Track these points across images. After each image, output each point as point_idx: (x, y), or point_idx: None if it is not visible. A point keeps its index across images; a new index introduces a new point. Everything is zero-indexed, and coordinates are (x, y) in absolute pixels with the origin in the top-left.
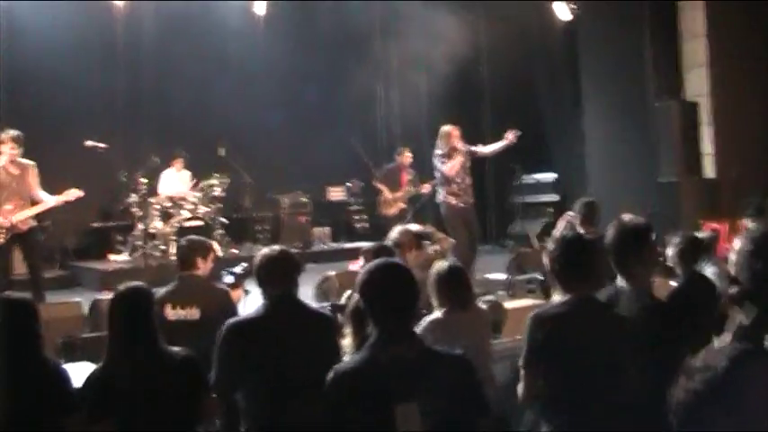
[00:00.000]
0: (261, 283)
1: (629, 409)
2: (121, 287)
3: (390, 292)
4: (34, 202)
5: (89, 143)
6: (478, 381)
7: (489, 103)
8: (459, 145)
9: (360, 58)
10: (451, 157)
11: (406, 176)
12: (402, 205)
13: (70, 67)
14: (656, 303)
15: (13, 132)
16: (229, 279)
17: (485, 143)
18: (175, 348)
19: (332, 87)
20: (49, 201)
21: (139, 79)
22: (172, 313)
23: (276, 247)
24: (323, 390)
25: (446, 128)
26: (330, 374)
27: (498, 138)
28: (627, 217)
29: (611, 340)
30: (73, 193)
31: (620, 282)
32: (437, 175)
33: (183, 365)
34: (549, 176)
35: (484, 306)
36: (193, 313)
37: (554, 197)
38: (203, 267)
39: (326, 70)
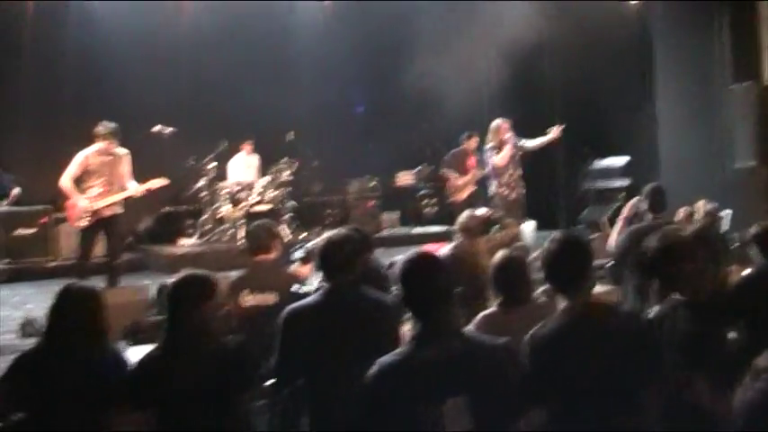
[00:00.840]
0: (322, 268)
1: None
2: (180, 274)
3: (430, 284)
4: (123, 190)
5: (156, 128)
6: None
7: (558, 90)
8: (509, 137)
9: (425, 48)
10: (501, 149)
11: (473, 160)
12: (471, 189)
13: (139, 55)
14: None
15: (110, 125)
16: (300, 254)
17: (558, 131)
18: (229, 337)
19: (399, 75)
20: (134, 189)
21: (209, 66)
22: (249, 299)
23: (340, 231)
24: (362, 384)
25: (496, 121)
26: (373, 368)
27: (570, 124)
28: (670, 230)
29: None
30: (157, 182)
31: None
32: (488, 168)
33: (232, 354)
34: (621, 161)
35: (544, 297)
36: (269, 299)
37: (625, 182)
38: (276, 251)
39: (395, 59)
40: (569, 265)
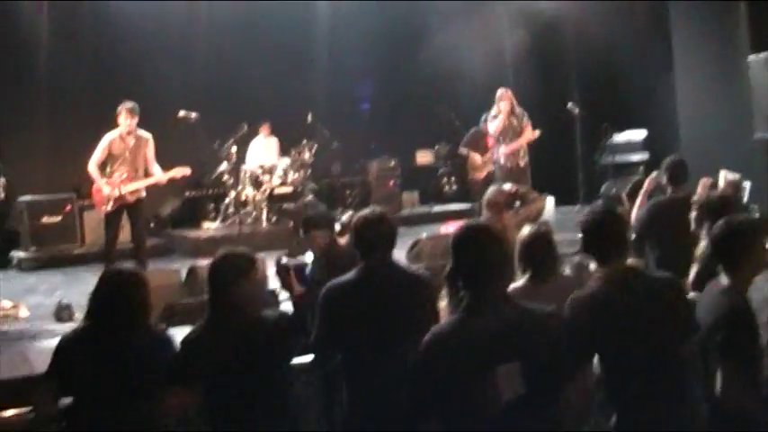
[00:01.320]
0: (358, 245)
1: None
2: (221, 251)
3: (483, 254)
4: (147, 175)
5: (181, 113)
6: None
7: (576, 64)
8: (505, 106)
9: (444, 24)
10: (496, 117)
11: (492, 139)
12: (491, 167)
13: (158, 41)
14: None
15: (128, 104)
16: (338, 227)
17: (574, 102)
18: (269, 312)
19: (417, 53)
20: (157, 176)
21: (226, 50)
22: None
23: (374, 209)
24: (418, 352)
25: (500, 90)
26: (427, 337)
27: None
28: (738, 217)
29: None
30: (180, 171)
31: (723, 278)
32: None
33: (273, 328)
34: (640, 135)
35: (568, 271)
36: None
37: (645, 156)
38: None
39: (412, 37)
40: (609, 233)
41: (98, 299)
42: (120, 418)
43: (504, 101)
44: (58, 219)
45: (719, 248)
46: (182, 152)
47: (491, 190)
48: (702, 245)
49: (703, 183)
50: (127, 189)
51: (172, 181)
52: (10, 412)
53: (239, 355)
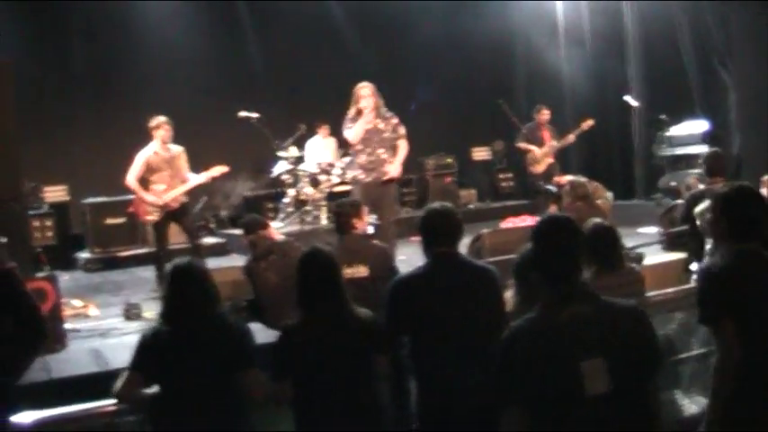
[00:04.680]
0: (426, 239)
1: None
2: (308, 248)
3: (566, 246)
4: (184, 182)
5: (242, 114)
6: (653, 332)
7: (633, 55)
8: (369, 106)
9: (499, 19)
10: (356, 120)
11: (547, 132)
12: (549, 161)
13: (218, 43)
14: None
15: (161, 118)
16: (371, 230)
17: (633, 98)
18: (361, 308)
19: (473, 49)
20: (196, 179)
21: (285, 50)
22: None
23: (444, 204)
24: (498, 348)
25: (358, 85)
26: (506, 333)
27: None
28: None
29: None
30: (218, 170)
31: None
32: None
33: (366, 326)
34: (700, 127)
35: (633, 264)
36: (361, 271)
37: (703, 148)
38: (360, 226)
39: (468, 33)
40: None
41: (171, 291)
42: (203, 405)
43: (364, 98)
44: (121, 220)
45: None
46: (243, 152)
47: (572, 182)
48: None
49: (764, 181)
50: (169, 197)
51: (231, 181)
52: (92, 405)
53: (336, 350)
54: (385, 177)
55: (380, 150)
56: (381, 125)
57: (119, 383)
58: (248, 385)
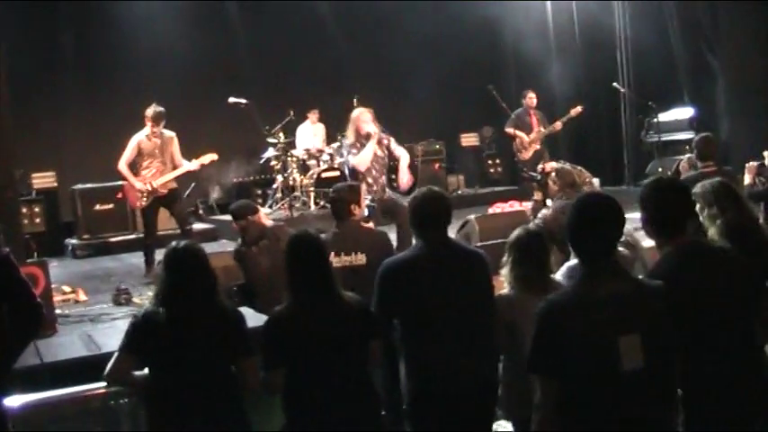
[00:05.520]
0: (415, 224)
1: None
2: (295, 233)
3: (604, 226)
4: (175, 168)
5: (231, 100)
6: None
7: (624, 46)
8: (372, 131)
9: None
10: (357, 146)
11: (536, 118)
12: (537, 147)
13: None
14: None
15: (157, 107)
16: (365, 212)
17: (621, 85)
18: (349, 294)
19: (463, 35)
20: (186, 166)
21: (273, 37)
22: (336, 260)
23: (433, 189)
24: (536, 321)
25: (356, 111)
26: (542, 305)
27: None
28: None
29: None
30: (208, 157)
31: None
32: (346, 169)
33: (357, 311)
34: (686, 113)
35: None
36: (359, 258)
37: (690, 135)
38: (358, 213)
39: (456, 18)
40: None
41: (169, 273)
42: (197, 390)
43: (367, 123)
44: (110, 206)
45: None
46: (233, 138)
47: (562, 170)
48: None
49: (749, 167)
50: (158, 182)
51: (220, 167)
52: (85, 387)
53: (328, 335)
54: (405, 188)
55: (382, 177)
56: (379, 152)
57: (109, 366)
58: (245, 373)
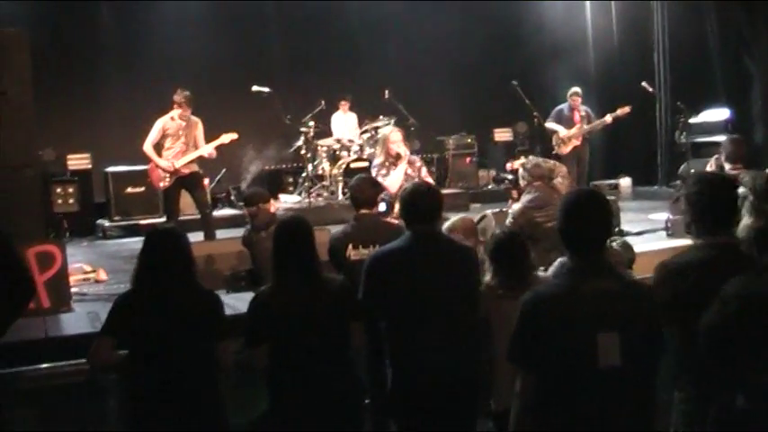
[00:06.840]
0: (406, 216)
1: None
2: (284, 218)
3: (590, 222)
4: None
5: (255, 88)
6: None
7: (661, 46)
8: (403, 151)
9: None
10: (390, 167)
11: (578, 114)
12: (576, 143)
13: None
14: None
15: (185, 92)
16: (383, 206)
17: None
18: (332, 275)
19: (501, 28)
20: (206, 147)
21: (305, 27)
22: (354, 253)
23: (424, 182)
24: (520, 311)
25: (384, 130)
26: (527, 297)
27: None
28: None
29: None
30: (228, 137)
31: None
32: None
33: (338, 292)
34: (722, 114)
35: (616, 247)
36: None
37: (724, 137)
38: (378, 205)
39: (491, 15)
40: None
41: (145, 256)
42: (173, 370)
43: (398, 143)
44: (141, 189)
45: None
46: (266, 127)
47: (528, 163)
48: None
49: None
50: (180, 163)
51: (251, 155)
52: (73, 362)
53: (310, 315)
54: None
55: None
56: (410, 171)
57: (92, 347)
58: (220, 355)
